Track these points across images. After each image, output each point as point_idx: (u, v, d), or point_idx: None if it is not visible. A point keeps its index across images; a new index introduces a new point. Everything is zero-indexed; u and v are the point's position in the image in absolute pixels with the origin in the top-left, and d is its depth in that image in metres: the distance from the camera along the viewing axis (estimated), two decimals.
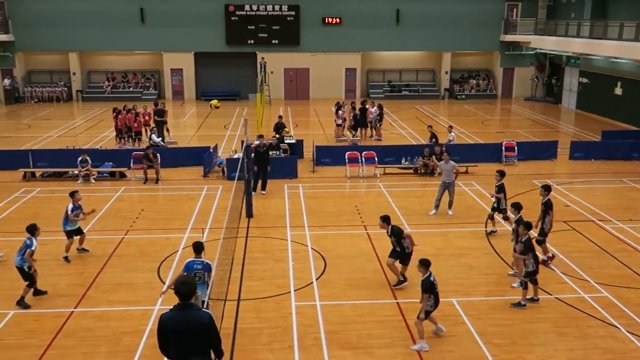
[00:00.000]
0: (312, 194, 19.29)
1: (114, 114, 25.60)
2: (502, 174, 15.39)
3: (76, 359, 9.90)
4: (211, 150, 22.45)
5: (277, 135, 23.48)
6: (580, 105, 36.81)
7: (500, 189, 15.24)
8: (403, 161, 22.04)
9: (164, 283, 12.52)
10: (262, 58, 39.07)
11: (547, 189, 13.68)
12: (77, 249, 14.12)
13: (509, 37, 40.77)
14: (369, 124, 27.58)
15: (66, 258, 13.76)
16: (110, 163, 21.57)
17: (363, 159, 21.56)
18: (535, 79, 41.81)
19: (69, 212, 13.66)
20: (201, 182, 20.60)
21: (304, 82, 41.75)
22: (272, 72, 40.16)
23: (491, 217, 15.45)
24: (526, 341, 10.44)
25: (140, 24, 39.39)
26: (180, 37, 39.51)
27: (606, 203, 18.30)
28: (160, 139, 24.84)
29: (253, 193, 17.65)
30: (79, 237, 14.05)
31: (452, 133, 23.83)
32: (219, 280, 11.54)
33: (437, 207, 17.04)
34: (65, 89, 40.80)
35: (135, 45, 40.21)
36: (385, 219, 12.34)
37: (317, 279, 12.88)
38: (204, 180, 20.83)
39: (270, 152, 20.23)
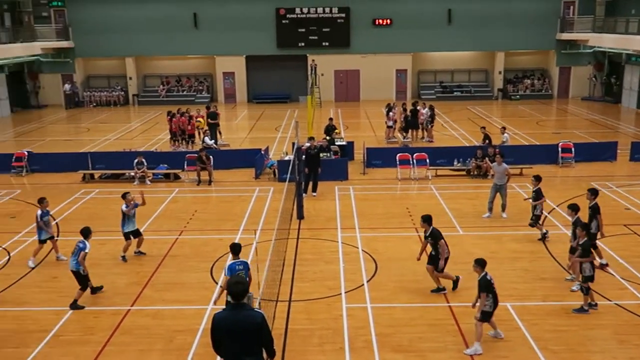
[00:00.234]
0: (363, 195, 19.23)
1: (168, 117, 26.18)
2: (538, 178, 14.95)
3: (132, 356, 10.16)
4: (262, 152, 22.66)
5: (327, 137, 23.52)
6: None
7: (538, 194, 14.83)
8: (455, 163, 21.74)
9: (216, 283, 12.72)
10: (313, 60, 39.26)
11: (594, 192, 13.23)
12: (135, 252, 14.43)
13: (566, 36, 39.65)
14: (420, 126, 27.34)
15: (123, 257, 14.13)
16: (165, 165, 22.06)
17: (414, 160, 21.37)
18: (594, 78, 40.58)
19: (124, 209, 13.97)
20: (253, 184, 20.84)
21: (354, 83, 41.72)
22: (322, 75, 40.30)
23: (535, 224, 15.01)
24: (584, 348, 10.11)
25: (193, 29, 40.21)
26: (232, 41, 40.12)
27: None
28: (213, 141, 25.24)
29: (304, 195, 17.74)
30: (136, 239, 14.37)
31: (506, 134, 23.35)
32: (271, 281, 11.65)
33: (490, 209, 16.72)
34: (122, 93, 42.02)
35: (188, 50, 41.06)
36: (427, 219, 12.11)
37: (367, 281, 12.83)
38: (256, 182, 21.06)
39: (321, 154, 20.28)
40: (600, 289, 11.53)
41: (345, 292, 12.30)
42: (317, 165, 19.08)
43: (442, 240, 11.89)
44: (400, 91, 41.55)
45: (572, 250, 12.39)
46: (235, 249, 10.65)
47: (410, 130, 27.17)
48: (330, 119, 25.64)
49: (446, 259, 11.98)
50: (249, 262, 10.72)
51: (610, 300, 11.68)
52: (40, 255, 14.23)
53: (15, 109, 39.36)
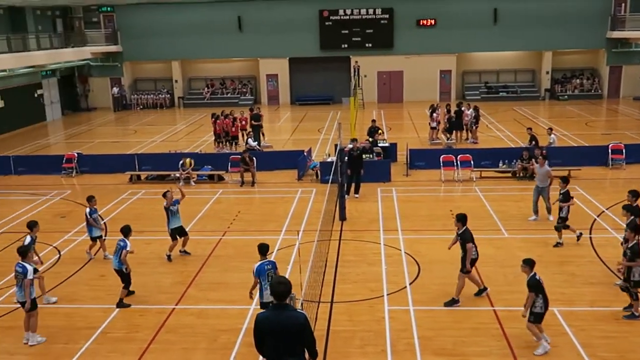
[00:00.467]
0: (406, 197, 19.09)
1: (213, 119, 26.55)
2: (565, 180, 14.54)
3: (177, 354, 10.33)
4: (305, 153, 22.73)
5: (370, 139, 23.44)
6: None
7: (565, 196, 14.40)
8: (500, 164, 21.36)
9: None
10: (356, 62, 39.19)
11: (635, 194, 12.79)
12: (180, 251, 14.67)
13: (617, 34, 38.47)
14: (464, 127, 26.99)
15: (168, 257, 14.38)
16: (209, 166, 22.37)
17: (458, 162, 21.09)
18: None
19: (165, 206, 14.21)
20: (295, 185, 20.93)
21: (397, 85, 41.47)
22: (365, 76, 40.18)
23: (563, 228, 14.53)
24: (636, 355, 9.79)
25: (237, 32, 40.67)
26: (276, 43, 40.41)
27: None
28: (256, 142, 25.47)
29: (346, 196, 17.72)
30: (182, 239, 14.60)
31: (553, 135, 22.80)
32: (313, 282, 11.65)
33: (536, 212, 16.37)
34: (168, 95, 42.81)
35: (232, 53, 41.53)
36: (461, 219, 11.76)
37: (410, 284, 12.72)
38: (298, 184, 21.15)
39: (364, 156, 20.22)
40: None
41: (388, 295, 12.23)
42: (359, 167, 19.03)
43: (470, 244, 11.58)
44: (444, 92, 41.08)
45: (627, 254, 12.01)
46: (263, 249, 10.57)
47: (454, 132, 26.84)
48: (373, 121, 25.53)
49: (473, 261, 11.74)
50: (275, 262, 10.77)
51: None
52: (81, 252, 14.60)
53: (66, 112, 40.66)
